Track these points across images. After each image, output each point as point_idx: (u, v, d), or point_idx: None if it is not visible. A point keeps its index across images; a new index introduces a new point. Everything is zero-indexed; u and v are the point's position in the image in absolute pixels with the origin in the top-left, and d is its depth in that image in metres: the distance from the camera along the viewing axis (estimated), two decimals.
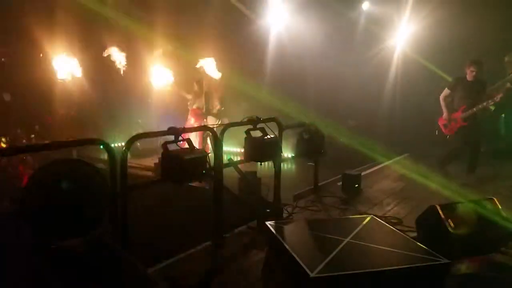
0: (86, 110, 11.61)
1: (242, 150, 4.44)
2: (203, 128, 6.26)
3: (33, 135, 9.66)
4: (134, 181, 3.41)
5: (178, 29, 11.38)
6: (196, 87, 8.56)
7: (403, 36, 10.52)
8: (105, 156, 2.98)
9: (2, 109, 10.97)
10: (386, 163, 7.79)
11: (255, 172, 5.87)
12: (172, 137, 3.49)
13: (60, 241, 2.41)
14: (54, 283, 2.13)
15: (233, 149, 9.63)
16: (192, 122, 8.34)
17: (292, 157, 5.56)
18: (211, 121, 8.23)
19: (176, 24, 11.39)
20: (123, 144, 3.29)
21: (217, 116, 8.42)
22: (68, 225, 2.39)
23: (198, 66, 8.58)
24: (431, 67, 9.11)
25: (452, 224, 3.53)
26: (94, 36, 10.49)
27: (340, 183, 5.85)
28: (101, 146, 2.94)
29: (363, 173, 6.26)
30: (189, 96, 8.69)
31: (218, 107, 8.44)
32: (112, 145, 10.10)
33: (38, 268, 2.32)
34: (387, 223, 3.95)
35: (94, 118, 11.32)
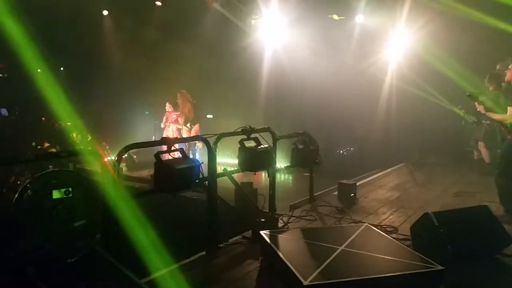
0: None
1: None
2: (196, 138, 6.32)
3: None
4: (134, 192, 3.41)
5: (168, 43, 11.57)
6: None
7: (398, 47, 10.62)
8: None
9: None
10: (382, 172, 7.81)
11: (251, 183, 5.88)
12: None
13: (53, 251, 2.41)
14: None
15: (228, 160, 9.67)
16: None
17: (287, 167, 5.57)
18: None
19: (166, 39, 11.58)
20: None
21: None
22: (61, 235, 2.39)
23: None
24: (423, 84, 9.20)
25: (446, 232, 3.53)
26: None
27: (335, 193, 5.85)
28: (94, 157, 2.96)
29: (358, 183, 6.27)
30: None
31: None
32: (110, 157, 10.15)
33: (32, 279, 2.32)
34: (382, 231, 3.95)
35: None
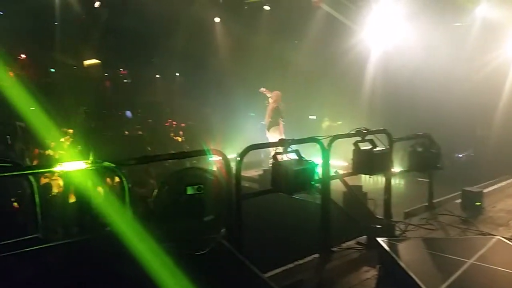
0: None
1: (346, 163, 4.33)
2: (310, 140, 6.29)
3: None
4: (245, 191, 3.55)
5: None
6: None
7: None
8: (213, 167, 3.17)
9: None
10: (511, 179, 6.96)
11: (360, 187, 5.69)
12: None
13: (185, 243, 2.61)
14: None
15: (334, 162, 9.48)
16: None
17: (402, 171, 5.25)
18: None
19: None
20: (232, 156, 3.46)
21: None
22: (192, 229, 2.58)
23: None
24: None
25: None
26: None
27: (458, 201, 5.37)
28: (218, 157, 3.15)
29: (485, 190, 5.66)
30: None
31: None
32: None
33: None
34: None
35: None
